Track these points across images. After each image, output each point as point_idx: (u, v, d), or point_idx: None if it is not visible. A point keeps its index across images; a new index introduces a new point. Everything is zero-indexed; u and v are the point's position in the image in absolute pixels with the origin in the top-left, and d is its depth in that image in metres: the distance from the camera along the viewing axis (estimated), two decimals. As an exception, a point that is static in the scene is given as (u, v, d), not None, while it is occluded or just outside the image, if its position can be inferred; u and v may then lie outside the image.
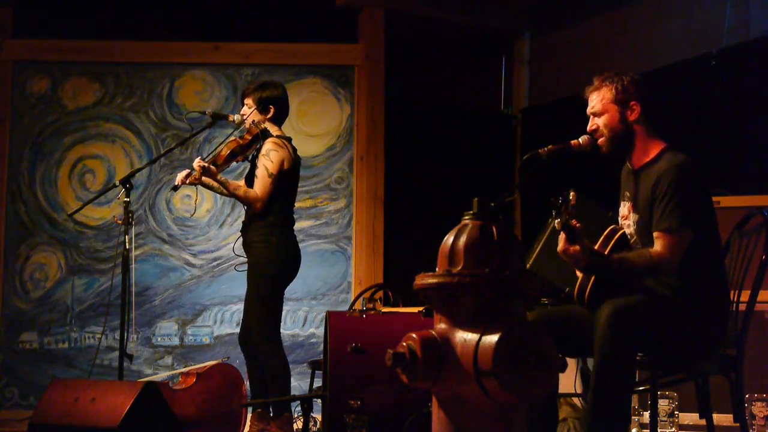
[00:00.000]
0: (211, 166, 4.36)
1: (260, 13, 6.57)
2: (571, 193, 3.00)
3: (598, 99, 3.31)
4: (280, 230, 4.49)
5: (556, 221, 3.02)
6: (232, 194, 4.45)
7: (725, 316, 3.21)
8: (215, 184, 4.49)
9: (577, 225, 3.03)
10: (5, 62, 6.25)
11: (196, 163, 4.35)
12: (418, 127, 6.89)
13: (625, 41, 6.34)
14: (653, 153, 3.26)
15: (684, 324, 3.11)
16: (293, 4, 6.57)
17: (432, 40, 7.36)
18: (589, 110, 3.34)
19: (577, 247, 3.05)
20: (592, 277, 3.21)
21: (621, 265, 3.11)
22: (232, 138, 4.53)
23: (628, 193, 3.34)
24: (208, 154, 4.58)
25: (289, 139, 4.57)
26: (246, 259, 4.55)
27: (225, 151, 4.45)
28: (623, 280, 3.18)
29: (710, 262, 3.19)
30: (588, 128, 3.33)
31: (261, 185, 4.42)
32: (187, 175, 4.41)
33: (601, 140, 3.31)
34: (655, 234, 3.14)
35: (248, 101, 4.61)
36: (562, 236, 3.07)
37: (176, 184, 4.46)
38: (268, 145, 4.47)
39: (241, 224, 4.62)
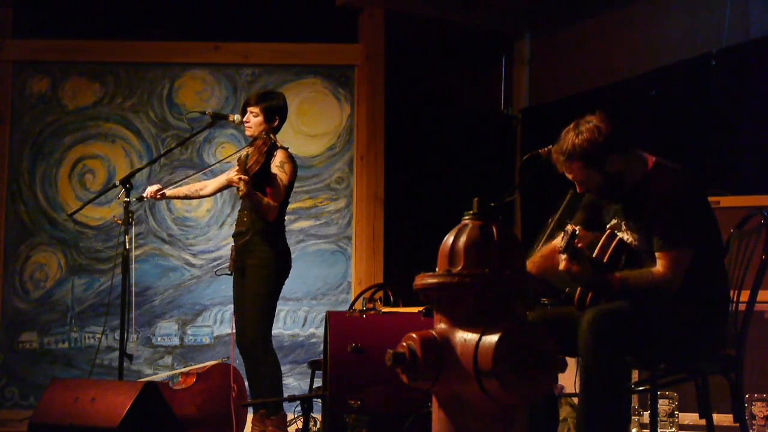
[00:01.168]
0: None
1: (260, 13, 6.56)
2: (578, 228, 3.04)
3: (574, 171, 3.20)
4: (280, 235, 4.57)
5: (559, 249, 3.06)
6: (258, 204, 4.42)
7: (725, 317, 3.21)
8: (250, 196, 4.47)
9: (580, 245, 3.05)
10: (5, 62, 6.25)
11: (235, 176, 4.33)
12: (418, 127, 6.89)
13: (625, 41, 6.34)
14: (641, 171, 3.21)
15: (684, 324, 3.11)
16: (293, 4, 6.56)
17: (432, 40, 7.36)
18: (572, 179, 3.27)
19: (579, 267, 3.07)
20: None
21: (622, 286, 3.11)
22: (251, 153, 4.47)
23: (620, 213, 3.32)
24: (214, 162, 4.57)
25: (287, 149, 4.61)
26: (229, 263, 4.58)
27: (255, 167, 4.43)
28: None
29: (711, 264, 3.19)
30: (578, 191, 3.29)
31: (277, 196, 4.46)
32: (158, 191, 4.66)
33: (591, 194, 3.30)
34: (657, 254, 3.13)
35: (254, 110, 4.59)
36: (563, 255, 3.08)
37: (144, 196, 4.69)
38: (280, 156, 4.51)
39: (236, 229, 4.60)
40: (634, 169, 3.22)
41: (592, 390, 2.99)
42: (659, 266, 3.10)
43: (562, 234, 3.11)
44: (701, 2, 5.75)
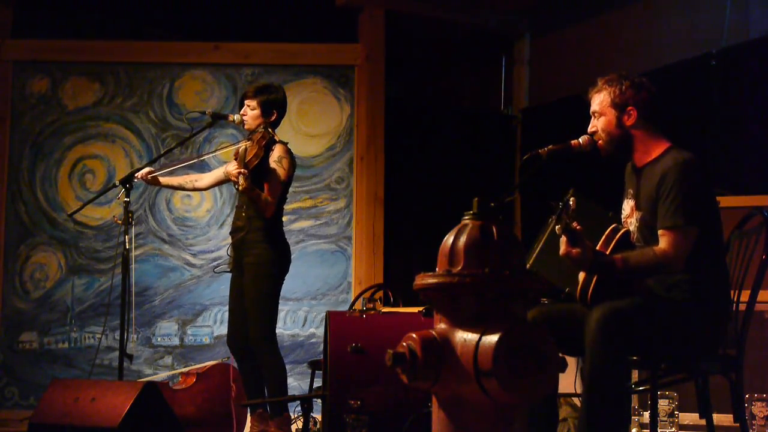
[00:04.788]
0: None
1: (260, 13, 6.57)
2: (571, 199, 3.01)
3: (598, 101, 3.33)
4: (278, 231, 4.52)
5: (557, 226, 3.02)
6: (257, 199, 4.37)
7: (726, 316, 3.21)
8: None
9: (578, 227, 3.04)
10: (5, 62, 6.25)
11: (235, 170, 4.26)
12: (418, 127, 6.90)
13: (625, 41, 6.34)
14: (656, 152, 3.26)
15: (685, 323, 3.11)
16: (293, 4, 6.57)
17: (432, 40, 7.37)
18: (591, 111, 3.37)
19: (579, 250, 3.05)
20: (594, 278, 3.20)
21: (625, 265, 3.10)
22: (250, 147, 4.41)
23: (631, 191, 3.35)
24: (209, 152, 4.54)
25: (286, 143, 4.59)
26: (230, 260, 4.53)
27: (254, 161, 4.37)
28: (626, 279, 3.18)
29: (713, 261, 3.19)
30: (588, 129, 3.35)
31: (274, 192, 4.42)
32: (149, 173, 4.61)
33: (599, 143, 3.33)
34: (660, 231, 3.13)
35: (251, 103, 4.55)
36: (563, 239, 3.07)
37: (136, 177, 4.59)
38: (278, 151, 4.46)
39: (233, 225, 4.57)
40: (649, 145, 3.27)
41: (597, 387, 2.99)
42: (663, 244, 3.11)
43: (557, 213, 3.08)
44: (701, 2, 5.75)
